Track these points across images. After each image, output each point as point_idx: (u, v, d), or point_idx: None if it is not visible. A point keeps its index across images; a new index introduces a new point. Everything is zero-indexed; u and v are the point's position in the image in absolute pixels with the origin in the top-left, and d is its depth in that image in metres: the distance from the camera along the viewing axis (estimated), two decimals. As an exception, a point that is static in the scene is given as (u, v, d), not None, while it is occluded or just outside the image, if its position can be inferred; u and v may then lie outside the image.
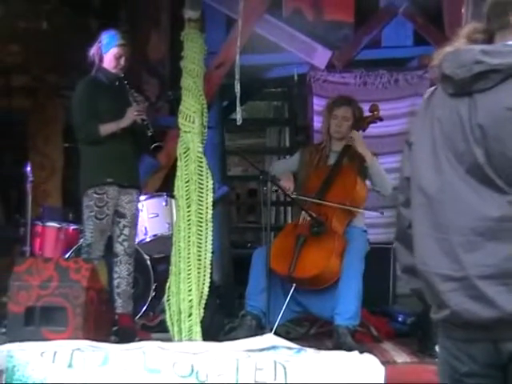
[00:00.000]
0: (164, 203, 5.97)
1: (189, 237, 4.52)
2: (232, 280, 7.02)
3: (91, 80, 5.12)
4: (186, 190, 4.60)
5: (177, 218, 4.73)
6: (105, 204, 4.99)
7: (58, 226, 6.06)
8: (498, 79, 2.00)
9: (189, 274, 4.46)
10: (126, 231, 5.11)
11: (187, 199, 4.58)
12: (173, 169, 6.50)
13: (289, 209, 9.97)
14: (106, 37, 5.10)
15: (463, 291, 1.97)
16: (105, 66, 5.10)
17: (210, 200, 4.62)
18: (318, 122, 7.00)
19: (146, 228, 5.88)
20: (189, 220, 4.55)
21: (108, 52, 5.07)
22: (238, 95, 4.80)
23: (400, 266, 2.29)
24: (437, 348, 2.18)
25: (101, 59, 5.10)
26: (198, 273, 4.47)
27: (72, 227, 6.10)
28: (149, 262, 5.75)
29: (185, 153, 4.66)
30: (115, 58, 5.05)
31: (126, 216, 5.11)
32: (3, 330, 5.13)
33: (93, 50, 5.11)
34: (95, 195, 4.99)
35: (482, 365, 2.01)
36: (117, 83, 5.10)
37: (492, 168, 1.98)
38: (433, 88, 2.19)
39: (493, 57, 2.01)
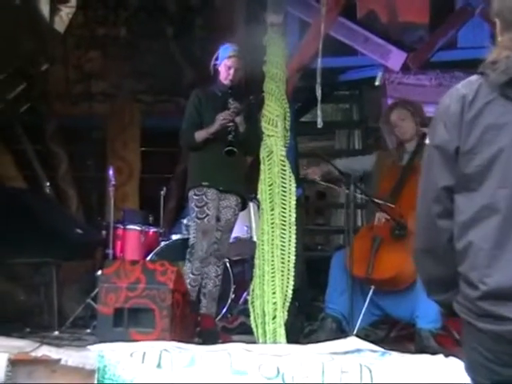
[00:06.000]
0: (242, 206, 6.01)
1: (272, 239, 4.55)
2: (306, 283, 7.02)
3: (200, 91, 5.35)
4: (270, 193, 4.63)
5: (260, 221, 4.77)
6: (204, 204, 5.09)
7: (139, 228, 6.18)
8: None
9: (273, 277, 4.49)
10: (218, 234, 5.19)
11: (270, 202, 4.62)
12: (247, 171, 6.57)
13: (358, 211, 9.90)
14: (220, 50, 5.32)
15: None
16: (220, 79, 5.30)
17: (293, 203, 4.64)
18: (392, 124, 6.96)
19: (224, 231, 5.92)
20: (272, 223, 4.58)
21: (221, 64, 5.28)
22: (319, 98, 4.82)
23: (426, 276, 2.19)
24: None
25: (217, 72, 5.31)
26: (282, 275, 4.49)
27: (152, 230, 6.21)
28: (228, 265, 5.80)
29: (268, 156, 4.69)
30: (225, 70, 5.24)
31: (220, 220, 5.20)
32: (88, 331, 5.28)
33: (211, 64, 5.34)
34: (195, 196, 5.13)
35: None
36: (226, 95, 5.24)
37: None
38: (464, 91, 2.07)
39: None
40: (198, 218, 5.09)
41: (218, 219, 5.19)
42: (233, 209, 5.25)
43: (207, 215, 5.09)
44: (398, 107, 5.36)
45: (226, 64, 5.24)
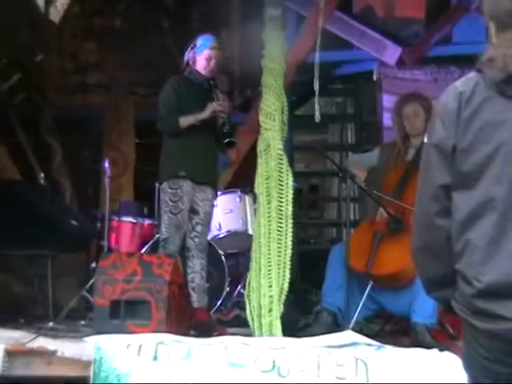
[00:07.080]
0: (238, 199, 6.02)
1: (269, 233, 4.55)
2: (299, 276, 7.03)
3: (180, 78, 5.27)
4: (267, 187, 4.64)
5: (257, 215, 4.77)
6: (179, 199, 5.05)
7: (134, 220, 6.16)
8: None
9: (269, 270, 4.50)
10: (198, 228, 5.17)
11: (267, 196, 4.62)
12: (242, 165, 6.57)
13: (351, 205, 9.91)
14: (200, 40, 5.27)
15: None
16: (197, 68, 5.25)
17: (290, 196, 4.65)
18: (387, 119, 6.99)
19: (220, 224, 5.93)
20: (269, 216, 4.58)
21: (201, 54, 5.22)
22: (317, 92, 4.82)
23: (425, 274, 2.20)
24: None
25: (194, 61, 5.25)
26: (278, 269, 4.50)
27: (147, 222, 6.20)
28: (223, 258, 5.81)
29: (265, 150, 4.70)
30: (206, 60, 5.20)
31: (199, 213, 5.17)
32: (83, 322, 5.28)
33: (188, 53, 5.28)
34: (169, 190, 5.07)
35: None
36: (205, 85, 5.21)
37: None
38: (461, 88, 2.06)
39: None
40: (172, 213, 5.05)
41: (195, 212, 5.16)
42: (210, 201, 5.23)
43: (181, 210, 5.05)
44: (412, 101, 5.23)
45: (208, 54, 5.18)
